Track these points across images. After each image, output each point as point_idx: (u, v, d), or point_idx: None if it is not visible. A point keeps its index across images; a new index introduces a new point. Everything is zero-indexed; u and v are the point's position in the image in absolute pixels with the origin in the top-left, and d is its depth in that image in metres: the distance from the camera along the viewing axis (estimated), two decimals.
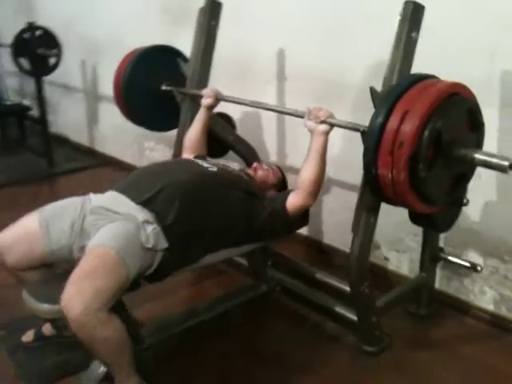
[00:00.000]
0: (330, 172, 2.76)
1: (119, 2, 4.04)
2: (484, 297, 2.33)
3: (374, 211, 1.92)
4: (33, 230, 1.82)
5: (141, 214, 1.78)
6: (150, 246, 1.72)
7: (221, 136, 2.70)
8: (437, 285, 2.43)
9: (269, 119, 3.04)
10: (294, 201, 1.97)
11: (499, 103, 2.10)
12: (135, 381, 1.76)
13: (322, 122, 1.91)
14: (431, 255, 2.29)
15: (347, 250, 2.76)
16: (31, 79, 4.48)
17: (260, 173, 2.24)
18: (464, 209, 2.11)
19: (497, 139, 2.07)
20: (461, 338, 2.25)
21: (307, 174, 1.94)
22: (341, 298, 2.23)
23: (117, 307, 1.63)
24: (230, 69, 3.01)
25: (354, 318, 2.13)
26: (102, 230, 1.75)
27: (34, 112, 4.81)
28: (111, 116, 4.36)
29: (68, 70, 4.55)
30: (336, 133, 1.97)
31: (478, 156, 1.58)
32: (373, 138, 1.60)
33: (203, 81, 2.60)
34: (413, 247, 2.53)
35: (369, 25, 2.43)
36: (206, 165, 2.09)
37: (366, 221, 1.92)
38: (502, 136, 2.09)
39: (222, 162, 2.28)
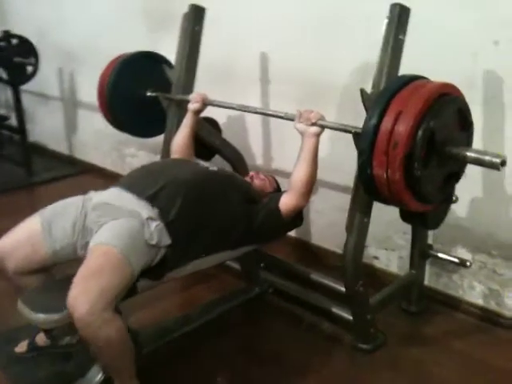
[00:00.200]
0: (319, 173, 2.78)
1: (93, 8, 4.00)
2: (473, 292, 2.37)
3: (367, 211, 1.95)
4: (34, 233, 1.81)
5: (145, 210, 1.79)
6: (153, 242, 1.73)
7: (207, 140, 2.71)
8: (426, 281, 2.47)
9: (254, 123, 3.05)
10: (286, 202, 1.99)
11: (482, 101, 2.15)
12: None
13: (313, 124, 1.93)
14: (420, 252, 2.33)
15: (336, 250, 2.84)
16: (6, 88, 4.41)
17: (257, 182, 2.25)
18: (452, 206, 2.15)
19: (481, 136, 2.12)
20: (452, 333, 2.29)
21: (299, 176, 1.96)
22: (334, 297, 2.26)
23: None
24: (212, 73, 3.00)
25: (349, 317, 2.16)
26: (106, 227, 1.75)
27: (11, 121, 4.74)
28: (90, 123, 4.35)
29: (44, 78, 4.47)
30: (323, 134, 1.99)
31: (470, 154, 1.62)
32: (367, 139, 1.63)
33: (189, 86, 2.60)
34: (402, 245, 2.57)
35: (352, 27, 2.46)
36: (206, 165, 2.12)
37: (359, 221, 1.95)
38: (485, 133, 2.13)
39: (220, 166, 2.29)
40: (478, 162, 1.61)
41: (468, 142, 1.78)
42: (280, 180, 2.41)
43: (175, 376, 2.03)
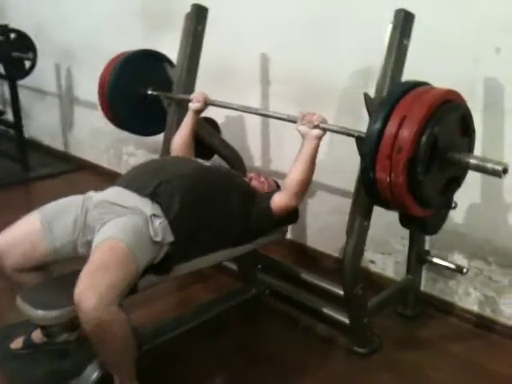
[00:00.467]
0: (316, 175, 2.79)
1: (92, 6, 3.99)
2: (469, 298, 2.39)
3: (368, 214, 1.96)
4: (34, 230, 1.81)
5: (148, 207, 1.79)
6: (158, 239, 1.74)
7: (206, 140, 2.70)
8: (422, 286, 2.48)
9: (253, 124, 3.06)
10: (278, 200, 2.00)
11: (483, 107, 2.16)
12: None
13: (316, 126, 1.94)
14: (417, 258, 2.34)
15: (331, 253, 2.85)
16: (1, 83, 4.39)
17: (254, 183, 2.24)
18: (450, 211, 2.16)
19: (480, 142, 2.13)
20: (447, 338, 2.31)
21: (294, 175, 1.96)
22: (331, 300, 2.26)
23: None
24: (212, 73, 3.01)
25: (345, 320, 2.16)
26: (110, 224, 1.75)
27: (7, 116, 4.72)
28: (87, 120, 4.34)
29: (41, 73, 4.46)
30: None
31: (472, 161, 1.62)
32: (371, 143, 1.63)
33: (190, 85, 2.60)
34: (398, 250, 2.58)
35: (353, 30, 2.47)
36: (201, 161, 2.13)
37: (360, 224, 1.95)
38: (485, 139, 2.15)
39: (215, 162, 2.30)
40: (480, 169, 1.62)
41: (470, 149, 1.79)
42: (279, 182, 2.41)
43: (171, 376, 2.03)
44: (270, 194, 2.06)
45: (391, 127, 1.60)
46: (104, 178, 4.08)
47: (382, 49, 1.89)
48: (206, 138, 2.69)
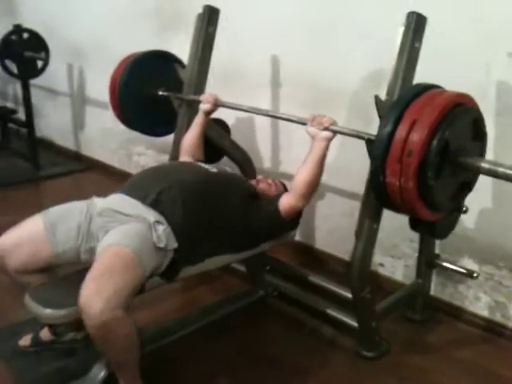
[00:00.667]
0: (325, 178, 2.78)
1: (104, 6, 4.01)
2: (478, 303, 2.36)
3: (377, 217, 1.95)
4: (37, 233, 1.80)
5: (150, 214, 1.79)
6: (162, 245, 1.73)
7: (216, 142, 2.70)
8: (432, 291, 2.47)
9: (263, 125, 3.05)
10: (286, 201, 1.99)
11: (494, 112, 2.15)
12: None
13: (326, 128, 1.93)
14: (427, 262, 2.33)
15: (339, 255, 2.83)
16: (14, 82, 4.42)
17: (261, 185, 2.24)
18: (461, 216, 2.14)
19: (492, 146, 2.11)
20: (456, 343, 2.29)
21: (302, 176, 1.96)
22: (339, 303, 2.25)
23: None
24: (223, 75, 3.01)
25: (353, 323, 2.15)
26: (113, 231, 1.75)
27: (19, 115, 4.75)
28: (98, 120, 4.35)
29: (53, 73, 4.48)
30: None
31: (483, 165, 1.61)
32: (381, 146, 1.63)
33: (200, 86, 2.60)
34: (408, 253, 2.56)
35: (365, 32, 2.45)
36: (207, 167, 2.11)
37: (369, 226, 1.94)
38: (496, 144, 2.13)
39: (221, 167, 2.28)
40: (492, 174, 1.61)
41: (481, 153, 1.77)
42: (288, 184, 2.40)
43: (174, 377, 2.03)
44: (277, 197, 2.05)
45: (401, 131, 1.59)
46: (114, 177, 4.10)
47: (393, 52, 1.88)
48: (216, 139, 2.70)
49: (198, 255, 1.93)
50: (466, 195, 1.83)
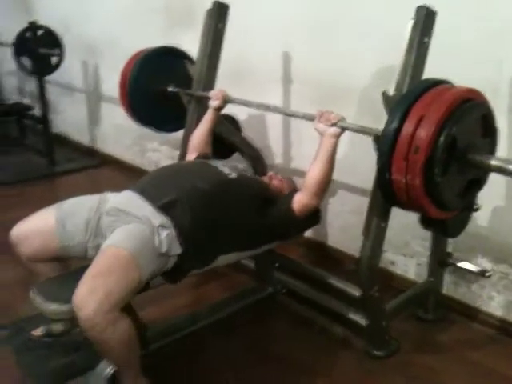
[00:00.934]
0: (336, 175, 2.75)
1: (116, 3, 4.02)
2: (492, 302, 2.32)
3: (385, 215, 1.92)
4: (49, 225, 1.82)
5: (157, 218, 1.77)
6: (163, 251, 1.71)
7: (226, 138, 2.69)
8: (444, 290, 2.42)
9: (274, 121, 3.03)
10: (298, 200, 1.96)
11: (507, 109, 2.09)
12: (143, 383, 1.76)
13: (333, 124, 1.90)
14: (439, 260, 2.28)
15: (352, 253, 2.80)
16: (31, 78, 4.46)
17: (275, 182, 2.21)
18: (473, 214, 2.10)
19: (506, 144, 2.07)
20: (468, 344, 2.24)
21: (313, 174, 1.93)
22: (349, 301, 2.21)
23: (125, 309, 1.62)
24: (232, 71, 3.00)
25: (362, 321, 2.12)
26: (117, 230, 1.75)
27: (35, 111, 4.79)
28: (113, 116, 4.37)
29: (68, 69, 4.52)
30: (342, 136, 1.96)
31: (494, 162, 1.57)
32: (387, 143, 1.59)
33: (210, 83, 2.58)
34: (420, 252, 2.52)
35: (375, 28, 2.41)
36: (226, 172, 2.03)
37: (377, 225, 1.91)
38: (509, 141, 2.08)
39: (239, 166, 2.25)
40: (502, 171, 1.57)
41: (491, 150, 1.73)
42: (299, 181, 2.37)
43: (181, 373, 2.03)
44: (290, 195, 2.02)
45: (408, 127, 1.56)
46: (128, 173, 4.12)
47: (403, 47, 1.83)
48: (227, 135, 2.68)
49: (207, 258, 1.92)
50: (476, 193, 1.79)
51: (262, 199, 2.02)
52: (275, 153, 3.11)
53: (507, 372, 2.06)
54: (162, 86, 2.68)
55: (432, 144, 1.53)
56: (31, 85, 4.97)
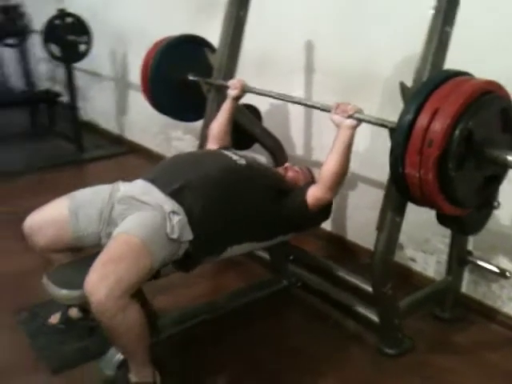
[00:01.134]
0: (356, 168, 2.70)
1: None
2: None
3: (400, 210, 1.86)
4: (62, 215, 1.83)
5: (168, 204, 1.77)
6: (174, 236, 1.70)
7: (247, 128, 2.67)
8: (464, 289, 2.36)
9: (296, 112, 2.99)
10: (313, 193, 1.93)
11: None
12: (150, 370, 1.77)
13: (350, 116, 1.86)
14: (459, 258, 2.22)
15: (370, 247, 2.73)
16: (61, 66, 4.51)
17: (290, 174, 2.19)
18: (495, 212, 2.02)
19: None
20: (485, 345, 2.18)
21: (329, 168, 1.90)
22: (363, 297, 2.17)
23: (136, 296, 1.62)
24: (255, 60, 2.97)
25: (375, 318, 2.08)
26: (129, 217, 1.75)
27: (64, 98, 4.85)
28: (139, 105, 4.35)
29: (97, 57, 4.56)
30: (363, 129, 1.92)
31: (510, 158, 1.50)
32: (401, 136, 1.54)
33: (230, 72, 2.56)
34: (440, 249, 2.45)
35: (401, 17, 2.35)
36: (235, 158, 2.03)
37: (391, 220, 1.86)
38: None
39: (250, 155, 2.24)
40: None
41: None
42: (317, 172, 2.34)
43: (191, 364, 2.02)
44: (305, 188, 1.99)
45: (423, 119, 1.50)
46: (154, 161, 4.07)
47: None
48: (247, 125, 2.66)
49: (218, 247, 1.91)
50: (494, 190, 1.72)
51: (275, 189, 2.00)
52: (296, 144, 3.07)
53: None
54: (183, 74, 2.67)
55: (447, 138, 1.47)
56: (62, 72, 5.04)
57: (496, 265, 2.17)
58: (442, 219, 1.93)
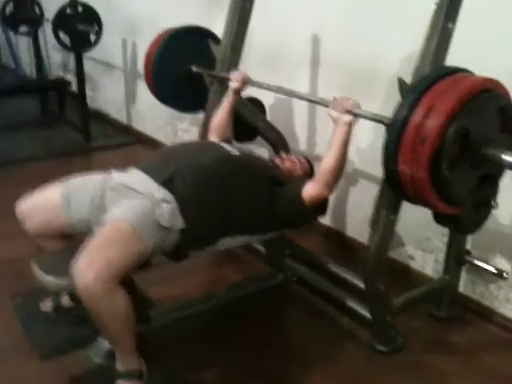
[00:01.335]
0: (358, 164, 2.69)
1: None
2: (508, 305, 2.22)
3: (395, 208, 1.84)
4: (54, 201, 1.84)
5: (159, 192, 1.77)
6: (164, 223, 1.71)
7: (249, 121, 2.65)
8: (461, 289, 2.34)
9: (300, 106, 2.97)
10: (309, 190, 1.91)
11: None
12: (136, 359, 1.76)
13: (348, 111, 1.84)
14: (456, 258, 2.20)
15: None
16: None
17: (287, 164, 2.18)
18: (494, 211, 1.99)
19: None
20: (481, 346, 2.16)
21: (325, 165, 1.88)
22: (357, 293, 2.15)
23: (126, 284, 1.63)
24: (260, 53, 2.95)
25: (367, 314, 2.07)
26: (119, 204, 1.76)
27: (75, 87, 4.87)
28: (148, 95, 4.35)
29: (110, 47, 4.58)
30: (365, 124, 1.90)
31: (506, 158, 1.48)
32: (395, 132, 1.53)
33: (233, 64, 2.55)
34: (440, 247, 2.43)
35: (408, 12, 2.31)
36: (229, 149, 2.03)
37: (385, 217, 1.84)
38: None
39: (247, 147, 2.23)
40: None
41: (511, 146, 1.63)
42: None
43: (182, 356, 2.02)
44: (301, 183, 1.97)
45: (417, 116, 1.49)
46: None
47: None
48: (250, 118, 2.65)
49: (209, 238, 1.90)
50: (490, 189, 1.69)
51: (269, 181, 1.98)
52: (300, 138, 3.06)
53: None
54: (187, 65, 2.67)
55: (440, 135, 1.45)
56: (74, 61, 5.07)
57: (494, 265, 2.15)
58: (439, 217, 1.91)
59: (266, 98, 2.84)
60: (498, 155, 1.50)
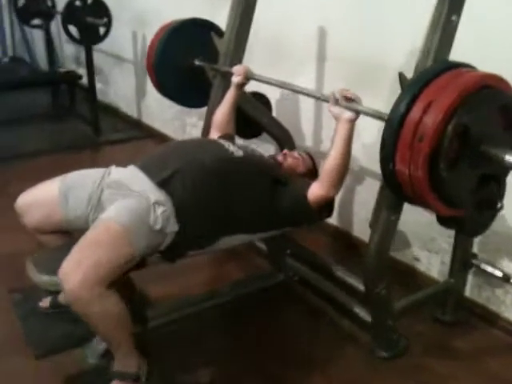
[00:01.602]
0: (364, 162, 2.62)
1: None
2: None
3: (396, 208, 1.77)
4: (52, 197, 1.82)
5: (154, 194, 1.72)
6: (157, 228, 1.67)
7: (253, 117, 2.60)
8: (467, 293, 2.26)
9: (306, 102, 2.90)
10: (314, 191, 1.85)
11: None
12: (134, 360, 1.73)
13: (349, 99, 1.77)
14: (462, 261, 2.12)
15: None
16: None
17: (289, 160, 2.13)
18: (501, 213, 1.91)
19: None
20: (486, 351, 2.10)
21: (329, 163, 1.82)
22: (358, 295, 2.09)
23: (125, 284, 1.60)
24: (265, 47, 2.89)
25: (368, 318, 2.01)
26: (114, 205, 1.72)
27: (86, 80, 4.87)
28: None
29: (119, 40, 4.55)
30: (371, 120, 1.83)
31: (508, 157, 1.40)
32: (392, 129, 1.46)
33: (237, 58, 2.49)
34: (445, 249, 2.35)
35: (412, 5, 2.22)
36: (232, 149, 1.97)
37: (386, 218, 1.77)
38: None
39: (250, 147, 2.17)
40: None
41: None
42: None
43: (176, 356, 1.99)
44: (306, 184, 1.90)
45: (415, 112, 1.42)
46: None
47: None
48: (254, 114, 2.59)
49: (208, 238, 1.86)
50: (493, 190, 1.61)
51: (271, 180, 1.93)
52: (305, 134, 3.00)
53: None
54: (190, 59, 2.61)
55: (438, 133, 1.38)
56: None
57: (501, 269, 2.07)
58: (442, 219, 1.84)
59: (272, 94, 2.78)
60: (499, 154, 1.42)
